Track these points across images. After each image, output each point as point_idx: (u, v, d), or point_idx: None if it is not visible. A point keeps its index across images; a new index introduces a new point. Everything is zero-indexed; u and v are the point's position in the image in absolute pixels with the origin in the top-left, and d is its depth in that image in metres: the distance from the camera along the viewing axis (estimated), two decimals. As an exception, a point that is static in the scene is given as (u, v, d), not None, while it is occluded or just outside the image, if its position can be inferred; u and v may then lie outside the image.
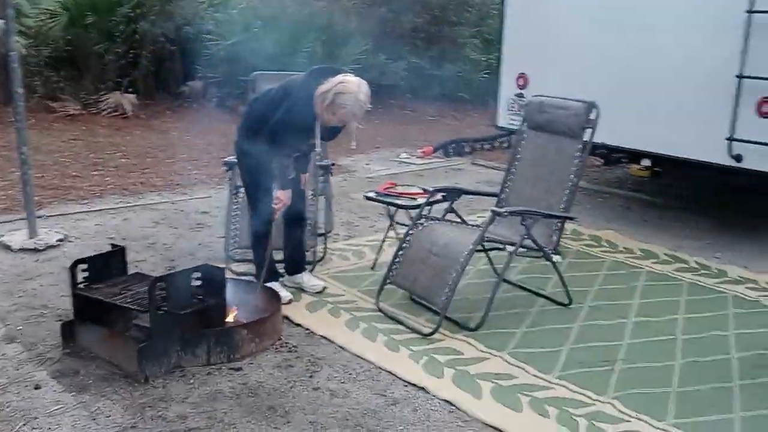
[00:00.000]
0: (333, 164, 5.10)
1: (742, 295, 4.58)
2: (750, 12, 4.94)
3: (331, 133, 4.07)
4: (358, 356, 3.62)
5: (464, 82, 12.25)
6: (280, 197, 3.96)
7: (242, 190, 4.35)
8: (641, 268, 5.03)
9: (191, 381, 3.30)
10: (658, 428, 3.04)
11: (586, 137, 4.19)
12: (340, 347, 3.71)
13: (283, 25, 10.24)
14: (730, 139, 5.16)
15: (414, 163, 8.45)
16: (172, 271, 4.26)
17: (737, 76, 5.06)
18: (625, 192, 7.26)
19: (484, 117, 11.39)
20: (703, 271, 5.00)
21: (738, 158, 5.17)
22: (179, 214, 6.05)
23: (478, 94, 12.10)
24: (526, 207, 4.12)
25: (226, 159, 4.73)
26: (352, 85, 3.79)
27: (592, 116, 4.17)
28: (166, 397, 3.15)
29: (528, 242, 4.01)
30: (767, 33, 4.91)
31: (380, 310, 4.15)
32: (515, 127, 5.44)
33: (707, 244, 5.59)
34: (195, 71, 10.70)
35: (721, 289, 4.67)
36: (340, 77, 3.82)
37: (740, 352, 3.80)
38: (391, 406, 3.15)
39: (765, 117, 5.00)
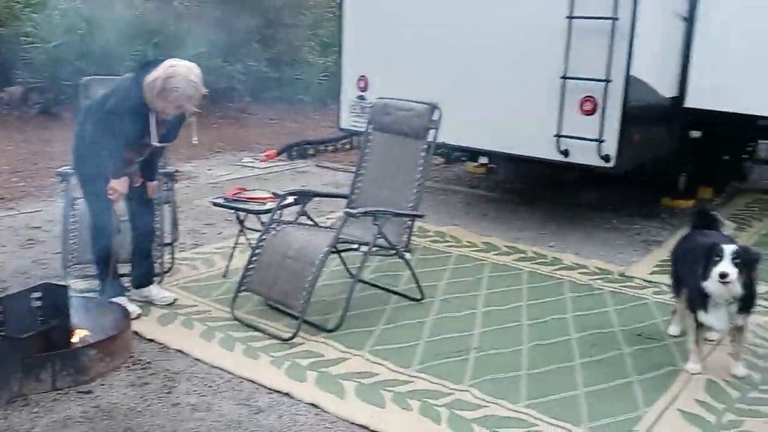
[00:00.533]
0: (177, 171, 4.92)
1: (576, 280, 4.94)
2: (570, 18, 5.33)
3: (171, 133, 3.95)
4: (217, 367, 3.53)
5: (304, 85, 12.27)
6: (115, 186, 3.77)
7: (80, 201, 4.10)
8: (485, 260, 5.29)
9: (36, 410, 3.07)
10: (513, 410, 3.22)
11: (429, 137, 4.34)
12: (197, 359, 3.60)
13: (110, 27, 9.73)
14: (558, 136, 5.54)
15: (258, 167, 8.35)
16: (8, 293, 3.93)
17: (562, 77, 5.45)
18: (465, 189, 7.60)
19: (325, 119, 11.48)
20: (540, 260, 5.34)
21: (566, 153, 5.56)
22: (7, 230, 5.59)
23: (318, 96, 12.18)
24: (377, 207, 4.20)
25: (59, 169, 4.43)
26: (182, 68, 3.71)
27: (435, 117, 4.32)
28: (9, 430, 2.91)
29: (381, 241, 4.09)
30: (585, 37, 5.32)
31: (236, 319, 4.06)
32: (358, 129, 5.54)
33: (542, 235, 5.97)
34: (13, 76, 9.92)
35: (558, 276, 5.01)
36: (167, 62, 3.72)
37: (578, 332, 4.10)
38: (255, 415, 3.10)
39: (587, 114, 5.42)
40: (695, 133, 6.86)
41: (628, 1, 5.12)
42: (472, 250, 5.51)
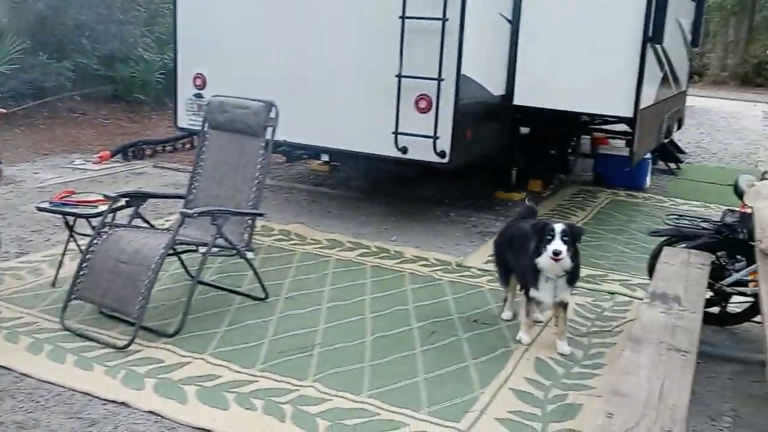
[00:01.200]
0: (-3, 175, 4.58)
1: (417, 272, 5.10)
2: (402, 18, 5.49)
3: None
4: (46, 381, 3.32)
5: (140, 83, 11.76)
6: None
7: None
8: (329, 256, 5.33)
9: None
10: (356, 401, 3.28)
11: (268, 135, 4.32)
12: (23, 375, 3.37)
13: None
14: (396, 133, 5.69)
15: (91, 169, 7.91)
16: None
17: (397, 76, 5.59)
18: (309, 186, 7.62)
19: (164, 118, 11.09)
20: (383, 254, 5.46)
21: (404, 150, 5.73)
22: None
23: (156, 95, 11.73)
24: (215, 207, 4.12)
25: None
26: None
27: (272, 115, 4.30)
28: None
29: (220, 242, 4.02)
30: (417, 37, 5.50)
31: (67, 329, 3.84)
32: (197, 128, 5.40)
33: (384, 230, 6.11)
34: None
35: (399, 269, 5.15)
36: None
37: (419, 322, 4.24)
38: (89, 428, 2.95)
39: (422, 112, 5.60)
40: (525, 130, 7.31)
41: (456, 2, 5.35)
42: (317, 247, 5.54)
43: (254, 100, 4.39)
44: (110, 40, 11.62)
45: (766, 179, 4.06)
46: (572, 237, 3.67)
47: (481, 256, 5.55)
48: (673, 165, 9.56)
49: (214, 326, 4.01)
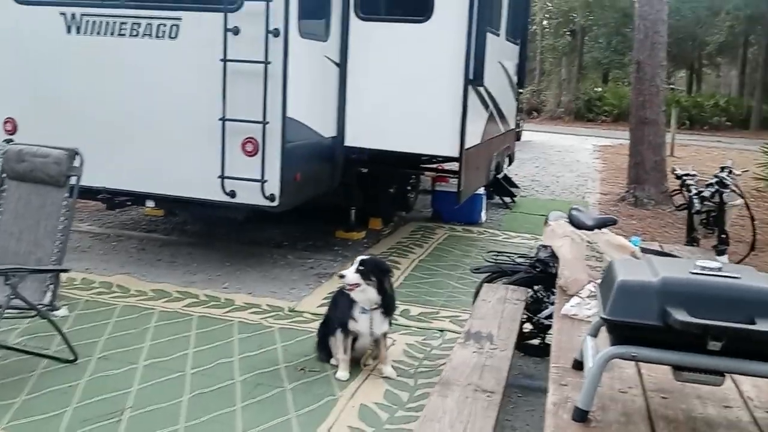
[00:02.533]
0: None
1: (247, 320, 4.94)
2: (224, 61, 5.39)
3: None
4: None
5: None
6: None
7: None
8: (153, 309, 5.06)
9: None
10: (162, 470, 3.07)
11: (71, 185, 4.05)
12: None
13: None
14: (223, 177, 5.54)
15: None
16: None
17: (221, 120, 5.47)
18: (140, 233, 7.27)
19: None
20: (212, 303, 5.26)
21: (232, 194, 5.59)
22: None
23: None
24: (12, 263, 3.80)
25: None
26: None
27: (76, 163, 4.05)
28: None
29: (17, 302, 3.69)
30: (241, 80, 5.42)
31: None
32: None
33: (217, 276, 5.91)
34: None
35: (229, 318, 4.97)
36: None
37: (243, 374, 4.08)
38: None
39: (249, 156, 5.50)
40: (363, 169, 7.36)
41: (278, 45, 5.32)
42: (141, 300, 5.25)
43: (57, 148, 4.10)
44: None
45: (573, 215, 4.26)
46: (371, 269, 3.89)
47: (316, 299, 5.48)
48: (507, 199, 9.98)
49: (12, 395, 3.66)
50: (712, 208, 4.34)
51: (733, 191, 4.33)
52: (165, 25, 5.56)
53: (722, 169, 4.45)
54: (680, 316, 1.81)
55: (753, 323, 1.81)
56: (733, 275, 1.95)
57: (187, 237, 7.16)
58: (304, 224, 7.57)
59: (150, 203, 6.00)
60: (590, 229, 3.97)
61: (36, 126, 5.88)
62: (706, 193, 4.30)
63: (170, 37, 5.57)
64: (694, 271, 1.97)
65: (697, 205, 4.33)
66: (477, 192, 8.28)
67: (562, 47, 34.50)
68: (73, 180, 4.03)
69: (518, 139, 19.14)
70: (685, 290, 1.90)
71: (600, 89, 32.15)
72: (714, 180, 4.34)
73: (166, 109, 5.69)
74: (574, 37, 33.79)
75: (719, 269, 1.98)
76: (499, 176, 9.70)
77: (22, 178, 4.14)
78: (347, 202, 7.42)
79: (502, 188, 9.96)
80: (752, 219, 4.40)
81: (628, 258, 2.87)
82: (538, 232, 8.19)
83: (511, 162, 10.41)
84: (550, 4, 33.87)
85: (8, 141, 6.02)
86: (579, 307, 2.79)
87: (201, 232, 7.33)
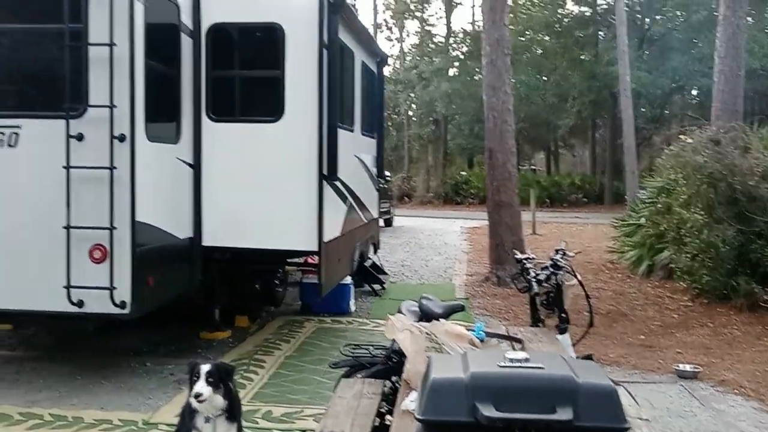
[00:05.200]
0: None
1: (96, 439, 4.66)
2: (67, 167, 5.26)
3: None
4: None
5: None
6: None
7: None
8: (-10, 435, 4.68)
9: None
10: None
11: None
12: None
13: None
14: (69, 287, 5.30)
15: None
16: None
17: (65, 227, 5.28)
18: (-17, 350, 6.76)
19: None
20: (58, 423, 4.92)
21: (80, 304, 5.34)
22: None
23: None
24: None
25: None
26: None
27: None
28: None
29: None
30: (86, 186, 5.29)
31: None
32: None
33: (65, 392, 5.55)
34: None
35: (75, 437, 4.66)
36: None
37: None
38: None
39: (97, 263, 5.31)
40: (223, 267, 7.25)
41: (125, 150, 5.26)
42: (-26, 426, 4.84)
43: None
44: None
45: (422, 305, 4.37)
46: (220, 376, 3.68)
47: (175, 407, 5.22)
48: (377, 286, 10.10)
49: None
50: (550, 289, 4.58)
51: (568, 272, 4.60)
52: (3, 134, 5.38)
53: (557, 251, 4.73)
54: (487, 411, 1.87)
55: (554, 412, 1.90)
56: (537, 365, 2.06)
57: (34, 351, 6.72)
58: (167, 327, 7.31)
59: (-12, 318, 5.63)
60: (440, 317, 4.09)
61: None
62: (542, 276, 4.54)
63: (9, 145, 5.38)
64: (502, 363, 2.06)
65: (535, 287, 4.56)
66: (344, 282, 8.33)
67: (427, 135, 36.08)
68: None
69: (390, 225, 19.69)
70: (493, 384, 1.98)
71: (465, 173, 33.65)
72: (549, 263, 4.60)
73: (7, 219, 5.43)
74: (438, 126, 35.45)
75: (526, 360, 2.08)
76: (367, 264, 9.83)
77: None
78: (210, 301, 7.25)
79: (370, 276, 10.07)
80: (587, 297, 4.66)
81: (445, 354, 2.97)
82: (405, 318, 8.32)
83: (376, 250, 10.59)
84: (413, 95, 35.53)
85: None
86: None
87: (50, 344, 6.90)
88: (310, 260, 9.01)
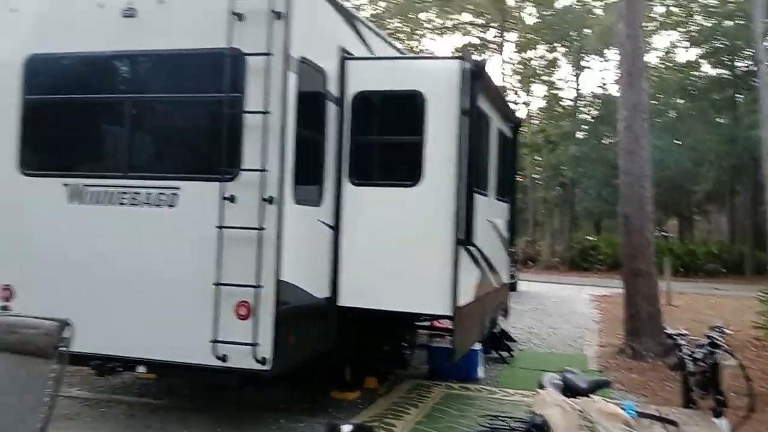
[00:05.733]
0: None
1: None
2: (219, 227, 5.54)
3: None
4: None
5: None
6: None
7: None
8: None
9: None
10: None
11: (60, 357, 4.02)
12: None
13: None
14: (215, 341, 5.52)
15: None
16: None
17: (215, 284, 5.54)
18: (130, 398, 7.12)
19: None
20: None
21: (224, 358, 5.54)
22: None
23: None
24: (-6, 441, 3.70)
25: None
26: None
27: (66, 334, 4.04)
28: None
29: (-4, 482, 3.57)
30: (234, 245, 5.54)
31: None
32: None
33: (206, 444, 5.74)
34: None
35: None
36: None
37: None
38: None
39: (242, 319, 5.51)
40: (356, 327, 7.33)
41: (273, 212, 5.49)
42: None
43: (48, 318, 4.12)
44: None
45: (566, 378, 4.21)
46: None
47: (308, 467, 5.29)
48: (505, 353, 9.87)
49: None
50: (706, 369, 4.29)
51: (726, 351, 4.30)
52: (164, 194, 5.76)
53: (713, 328, 4.45)
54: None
55: None
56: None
57: (179, 400, 7.01)
58: (296, 384, 7.43)
59: (141, 369, 5.93)
60: (584, 392, 3.92)
61: (32, 293, 5.93)
62: (698, 354, 4.27)
63: (169, 205, 5.75)
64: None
65: (690, 366, 4.29)
66: (473, 347, 8.21)
67: (553, 199, 35.48)
68: (62, 351, 4.01)
69: (514, 289, 19.30)
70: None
71: (593, 238, 32.69)
72: (706, 341, 4.33)
73: (162, 274, 5.77)
74: (565, 189, 34.82)
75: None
76: (496, 330, 9.66)
77: (9, 350, 4.11)
78: (341, 360, 7.33)
79: (498, 342, 9.87)
80: (748, 379, 4.34)
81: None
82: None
83: (506, 316, 10.40)
84: (539, 158, 35.19)
85: (4, 308, 6.07)
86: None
87: (193, 394, 7.18)
88: (437, 324, 9.00)
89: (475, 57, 6.65)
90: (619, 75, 11.62)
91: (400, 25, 33.22)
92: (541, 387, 4.48)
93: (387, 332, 7.86)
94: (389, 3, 32.64)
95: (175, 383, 7.59)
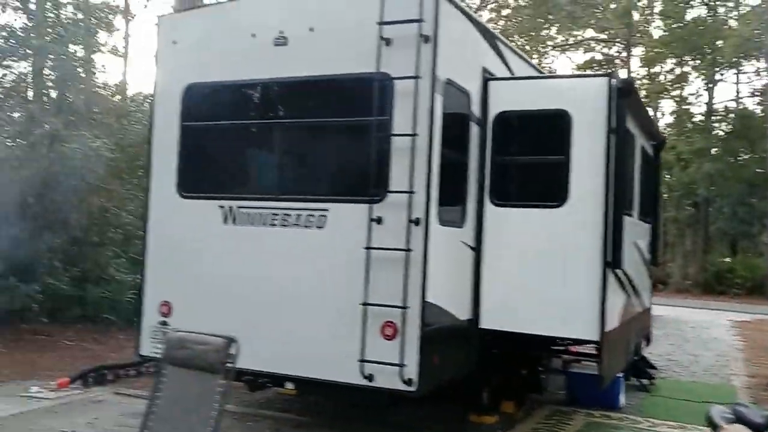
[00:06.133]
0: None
1: None
2: (367, 248, 5.63)
3: None
4: None
5: (110, 303, 11.69)
6: None
7: None
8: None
9: None
10: None
11: (227, 373, 4.20)
12: None
13: None
14: (362, 361, 5.59)
15: (47, 398, 7.57)
16: None
17: (362, 304, 5.62)
18: (275, 413, 7.33)
19: (131, 339, 10.86)
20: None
21: (370, 378, 5.60)
22: None
23: (126, 315, 11.60)
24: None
25: None
26: None
27: (233, 351, 4.22)
28: None
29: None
30: (381, 266, 5.60)
31: None
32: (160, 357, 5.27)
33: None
34: None
35: None
36: None
37: None
38: None
39: (388, 339, 5.56)
40: (495, 350, 7.23)
41: (419, 234, 5.52)
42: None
43: (215, 335, 4.31)
44: (83, 261, 11.70)
45: (740, 412, 3.97)
46: None
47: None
48: (645, 381, 9.44)
49: None
50: None
51: None
52: (313, 216, 5.93)
53: None
54: None
55: None
56: None
57: (320, 418, 7.14)
58: (431, 406, 7.39)
59: (289, 385, 6.09)
60: (763, 428, 3.68)
61: (189, 310, 6.24)
62: None
63: (318, 227, 5.91)
64: None
65: None
66: (615, 374, 7.90)
67: (685, 219, 33.79)
68: (229, 367, 4.18)
69: (647, 313, 18.49)
70: None
71: (729, 260, 30.82)
72: None
73: (310, 294, 5.92)
74: (698, 209, 33.09)
75: None
76: (636, 357, 9.25)
77: (181, 364, 4.33)
78: (480, 383, 7.24)
79: (639, 369, 9.45)
80: None
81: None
82: (686, 419, 7.63)
83: (648, 342, 9.95)
84: (670, 177, 33.63)
85: (163, 323, 6.42)
86: None
87: (334, 412, 7.30)
88: (572, 349, 8.71)
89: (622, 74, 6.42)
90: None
91: (521, 42, 32.86)
92: (710, 421, 4.25)
93: (524, 356, 7.71)
94: (511, 21, 32.35)
95: (317, 401, 7.75)
